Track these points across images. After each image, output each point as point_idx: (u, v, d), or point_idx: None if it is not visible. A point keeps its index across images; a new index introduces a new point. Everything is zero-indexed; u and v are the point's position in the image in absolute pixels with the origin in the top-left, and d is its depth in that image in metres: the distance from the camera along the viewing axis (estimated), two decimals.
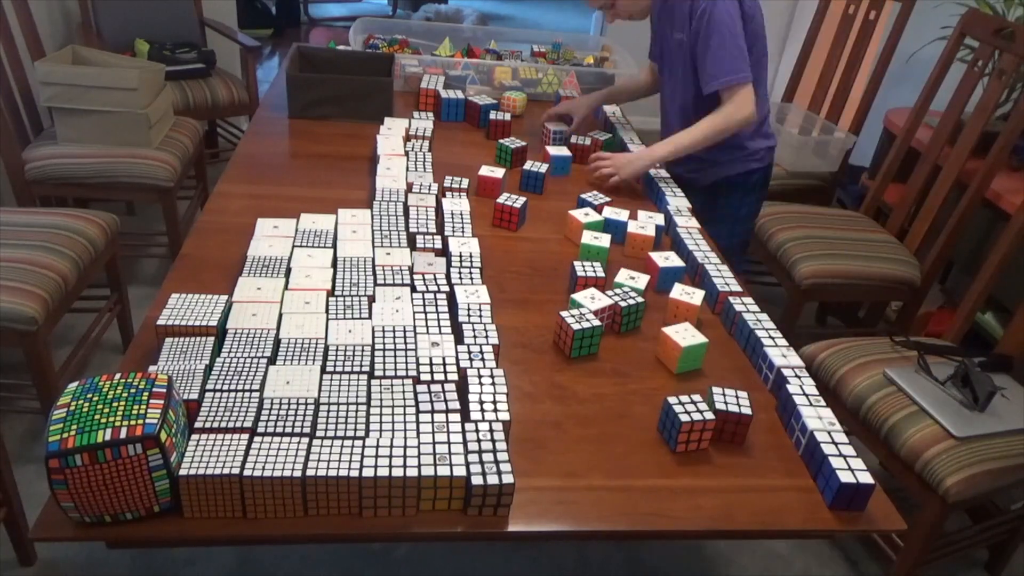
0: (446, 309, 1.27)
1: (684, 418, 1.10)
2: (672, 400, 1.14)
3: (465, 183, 1.73)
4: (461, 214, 1.58)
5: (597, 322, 1.29)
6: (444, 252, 1.45)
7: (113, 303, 2.22)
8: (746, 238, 2.18)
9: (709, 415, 1.12)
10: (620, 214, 1.67)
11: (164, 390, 0.92)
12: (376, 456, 0.95)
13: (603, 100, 2.23)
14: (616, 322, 1.36)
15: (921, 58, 2.74)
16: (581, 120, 2.14)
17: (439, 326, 1.23)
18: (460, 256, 1.43)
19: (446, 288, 1.33)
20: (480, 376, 1.12)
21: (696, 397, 1.15)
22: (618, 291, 1.38)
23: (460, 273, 1.37)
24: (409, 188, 1.66)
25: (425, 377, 1.12)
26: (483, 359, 1.17)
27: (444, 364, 1.14)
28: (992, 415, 1.66)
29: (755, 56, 1.84)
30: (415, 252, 1.43)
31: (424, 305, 1.27)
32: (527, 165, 1.84)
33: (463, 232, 1.52)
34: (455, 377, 1.12)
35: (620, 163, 1.87)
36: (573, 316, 1.29)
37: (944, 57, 2.33)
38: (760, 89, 1.86)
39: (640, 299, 1.37)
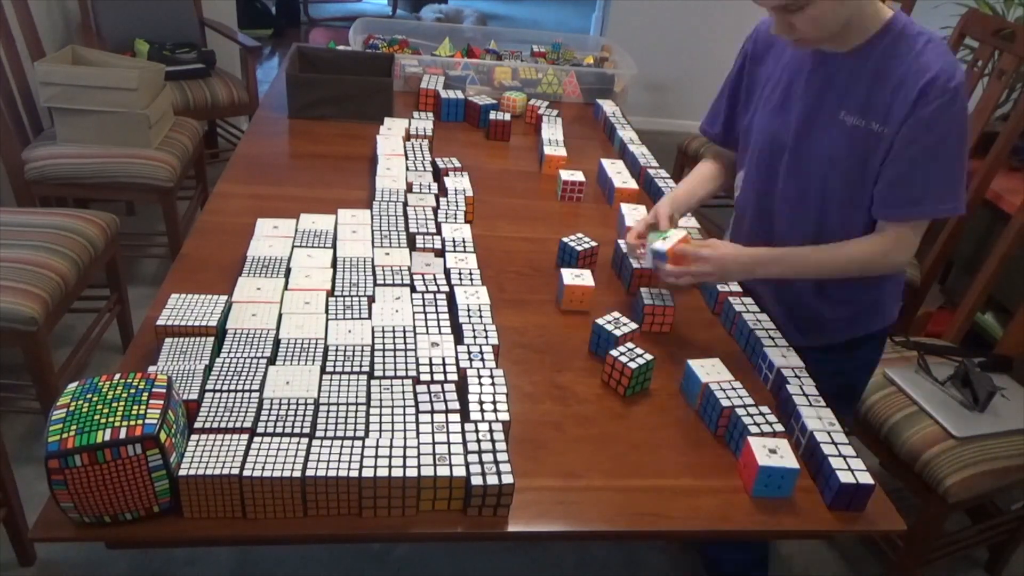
0: (446, 309, 1.27)
1: (725, 403, 1.14)
2: (713, 386, 1.17)
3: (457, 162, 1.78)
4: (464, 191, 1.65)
5: (649, 356, 1.21)
6: (442, 248, 1.46)
7: (113, 303, 2.22)
8: (855, 388, 1.62)
9: (779, 427, 1.12)
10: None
11: (164, 390, 0.92)
12: (376, 456, 0.95)
13: (688, 202, 1.54)
14: (623, 384, 1.21)
15: None
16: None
17: (439, 326, 1.23)
18: (454, 241, 1.45)
19: (446, 288, 1.33)
20: (480, 376, 1.12)
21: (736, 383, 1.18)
22: (625, 351, 1.23)
23: (460, 274, 1.37)
24: (409, 188, 1.66)
25: (425, 377, 1.11)
26: (483, 359, 1.16)
27: (444, 364, 1.14)
28: (992, 415, 1.66)
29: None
30: (414, 252, 1.43)
31: (424, 305, 1.27)
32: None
33: (456, 219, 1.56)
34: (455, 377, 1.12)
35: (717, 270, 1.32)
36: (625, 353, 1.22)
37: None
38: None
39: (648, 356, 1.22)
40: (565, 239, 1.52)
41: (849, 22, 1.23)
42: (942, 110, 1.20)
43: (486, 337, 1.22)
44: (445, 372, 1.13)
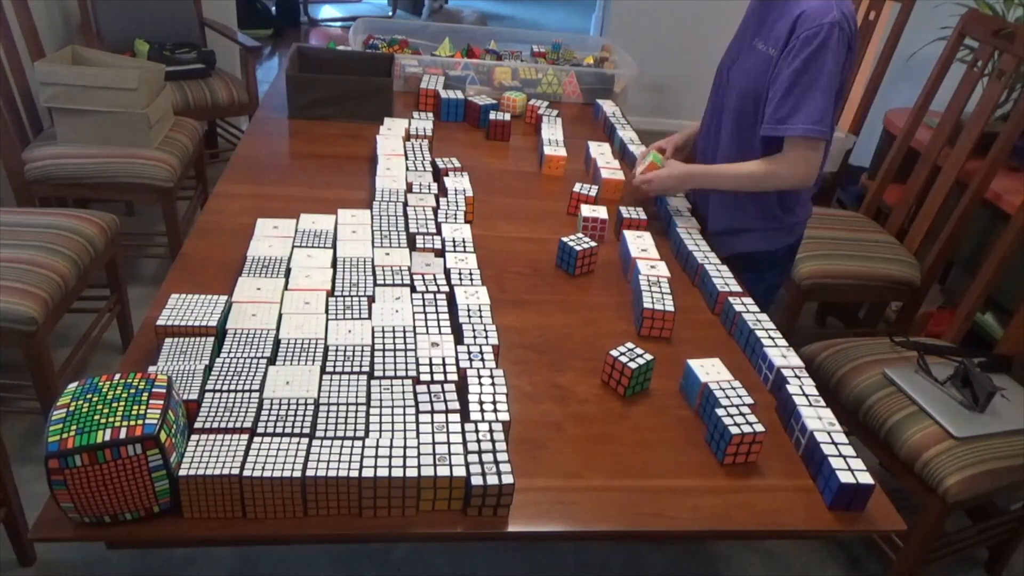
0: (446, 309, 1.27)
1: (734, 431, 1.08)
2: (720, 412, 1.12)
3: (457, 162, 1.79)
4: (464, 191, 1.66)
5: (649, 356, 1.22)
6: (442, 249, 1.46)
7: (113, 303, 2.22)
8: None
9: (759, 427, 1.10)
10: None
11: (164, 390, 0.92)
12: (376, 456, 0.95)
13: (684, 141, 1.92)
14: (622, 384, 1.22)
15: (921, 58, 2.74)
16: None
17: (439, 326, 1.23)
18: (454, 241, 1.46)
19: (446, 288, 1.33)
20: (480, 376, 1.12)
21: (745, 408, 1.14)
22: (625, 351, 1.24)
23: (460, 274, 1.37)
24: (409, 188, 1.66)
25: (425, 377, 1.11)
26: (483, 359, 1.17)
27: (444, 364, 1.14)
28: (992, 415, 1.66)
29: (835, 116, 1.56)
30: (414, 252, 1.43)
31: (424, 305, 1.27)
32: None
33: (456, 219, 1.56)
34: (455, 377, 1.12)
35: (652, 183, 1.70)
36: (625, 354, 1.22)
37: (944, 57, 2.34)
38: (824, 156, 1.58)
39: (648, 356, 1.23)
40: (565, 239, 1.52)
41: None
42: (807, 41, 1.43)
43: (486, 337, 1.22)
44: (445, 372, 1.13)
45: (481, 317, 1.27)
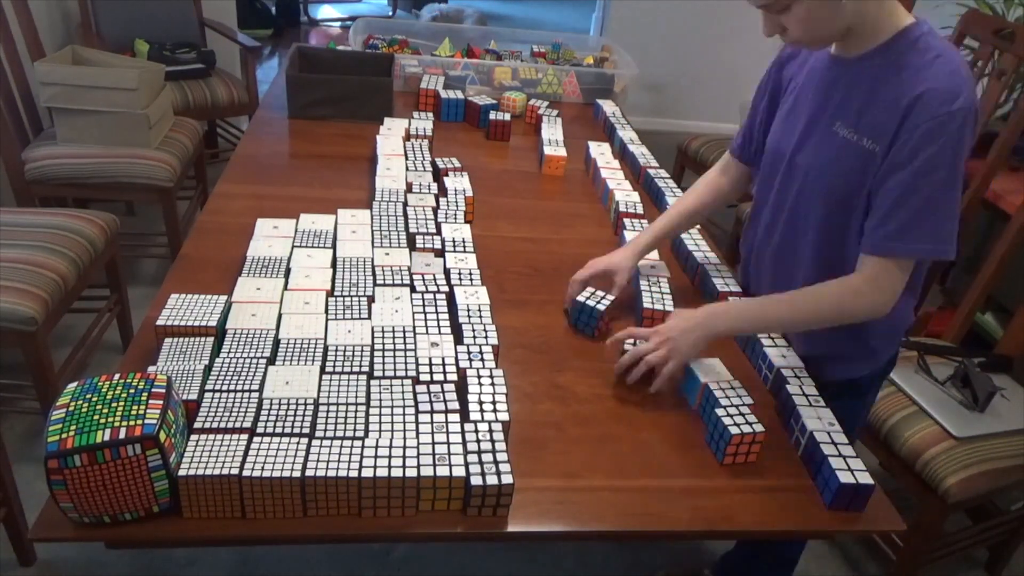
0: (446, 309, 1.27)
1: (734, 431, 1.08)
2: (720, 412, 1.11)
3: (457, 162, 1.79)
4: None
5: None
6: (442, 248, 1.46)
7: (113, 303, 2.22)
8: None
9: (759, 427, 1.09)
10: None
11: (163, 390, 0.92)
12: (375, 456, 0.95)
13: (653, 245, 1.46)
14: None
15: None
16: (623, 285, 1.40)
17: (439, 326, 1.23)
18: (453, 241, 1.46)
19: (445, 288, 1.33)
20: (480, 376, 1.12)
21: (745, 408, 1.13)
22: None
23: (460, 274, 1.37)
24: (409, 188, 1.66)
25: (425, 377, 1.11)
26: (483, 359, 1.16)
27: (444, 364, 1.14)
28: (992, 415, 1.66)
29: None
30: (414, 252, 1.44)
31: (424, 305, 1.27)
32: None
33: (456, 219, 1.56)
34: (455, 377, 1.12)
35: (674, 343, 1.18)
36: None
37: None
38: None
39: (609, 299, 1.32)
40: (580, 298, 1.35)
41: (852, 25, 1.12)
42: (930, 137, 1.06)
43: (486, 337, 1.22)
44: (445, 372, 1.13)
45: (481, 317, 1.27)
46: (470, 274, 1.38)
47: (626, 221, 1.63)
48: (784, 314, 1.21)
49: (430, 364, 1.14)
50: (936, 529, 1.61)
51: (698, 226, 1.65)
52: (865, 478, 1.04)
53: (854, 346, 1.29)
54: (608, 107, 2.35)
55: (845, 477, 1.03)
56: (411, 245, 1.46)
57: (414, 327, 1.21)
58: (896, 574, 1.71)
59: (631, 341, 1.24)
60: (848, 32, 1.14)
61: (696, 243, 1.60)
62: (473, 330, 1.23)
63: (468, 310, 1.28)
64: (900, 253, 1.13)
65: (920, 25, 1.13)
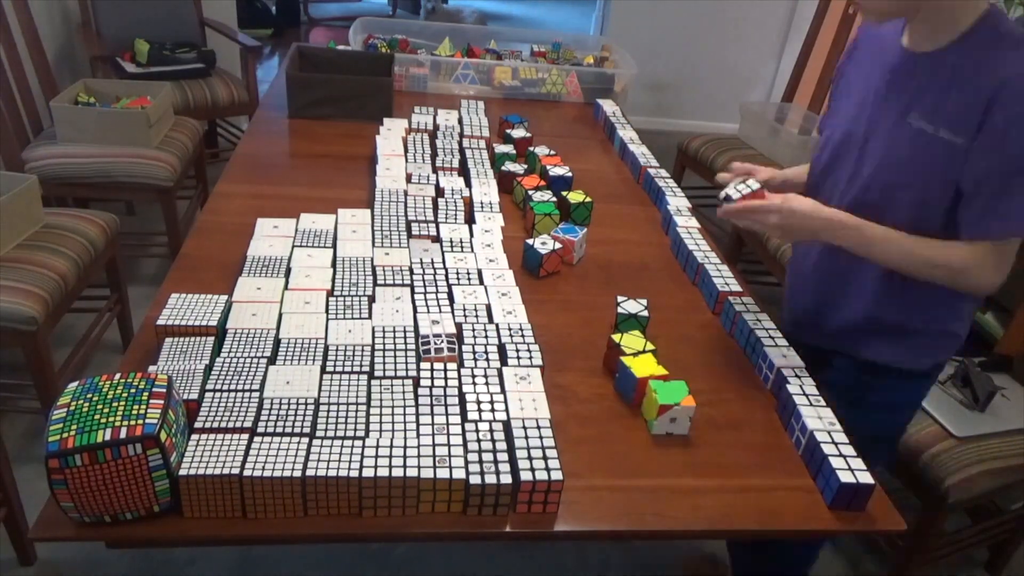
0: (448, 306, 1.27)
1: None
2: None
3: (456, 162, 1.79)
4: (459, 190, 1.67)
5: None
6: (437, 236, 1.49)
7: (113, 303, 2.22)
8: (897, 430, 1.49)
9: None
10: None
11: (164, 390, 0.92)
12: (376, 456, 0.95)
13: (792, 177, 1.47)
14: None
15: None
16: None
17: (439, 306, 1.26)
18: (451, 242, 1.47)
19: (445, 289, 1.33)
20: (475, 376, 1.12)
21: None
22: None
23: (459, 274, 1.38)
24: (408, 179, 1.68)
25: (425, 377, 1.11)
26: (488, 359, 1.17)
27: (444, 365, 1.14)
28: (992, 415, 1.66)
29: None
30: (411, 239, 1.46)
31: (426, 303, 1.28)
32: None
33: (455, 219, 1.57)
34: (455, 377, 1.12)
35: (791, 227, 1.22)
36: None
37: None
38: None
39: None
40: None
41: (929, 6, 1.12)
42: (1020, 120, 1.06)
43: (486, 337, 1.22)
44: (445, 372, 1.13)
45: (479, 317, 1.27)
46: (468, 274, 1.39)
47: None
48: (902, 245, 1.19)
49: (431, 365, 1.13)
50: (936, 528, 1.61)
51: (699, 226, 1.65)
52: (866, 478, 1.04)
53: (941, 332, 1.30)
54: (608, 107, 2.35)
55: (846, 477, 1.04)
56: (409, 232, 1.48)
57: (415, 326, 1.21)
58: (896, 573, 1.71)
59: (741, 186, 1.25)
60: (927, 11, 1.14)
61: (696, 243, 1.61)
62: (473, 330, 1.23)
63: (465, 310, 1.28)
64: (1005, 232, 1.14)
65: (995, 10, 1.12)
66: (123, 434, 0.85)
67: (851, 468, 1.05)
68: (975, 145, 1.11)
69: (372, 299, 1.28)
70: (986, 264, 1.16)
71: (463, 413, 1.06)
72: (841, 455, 1.07)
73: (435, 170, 1.76)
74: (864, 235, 1.20)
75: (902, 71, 1.21)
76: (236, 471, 0.91)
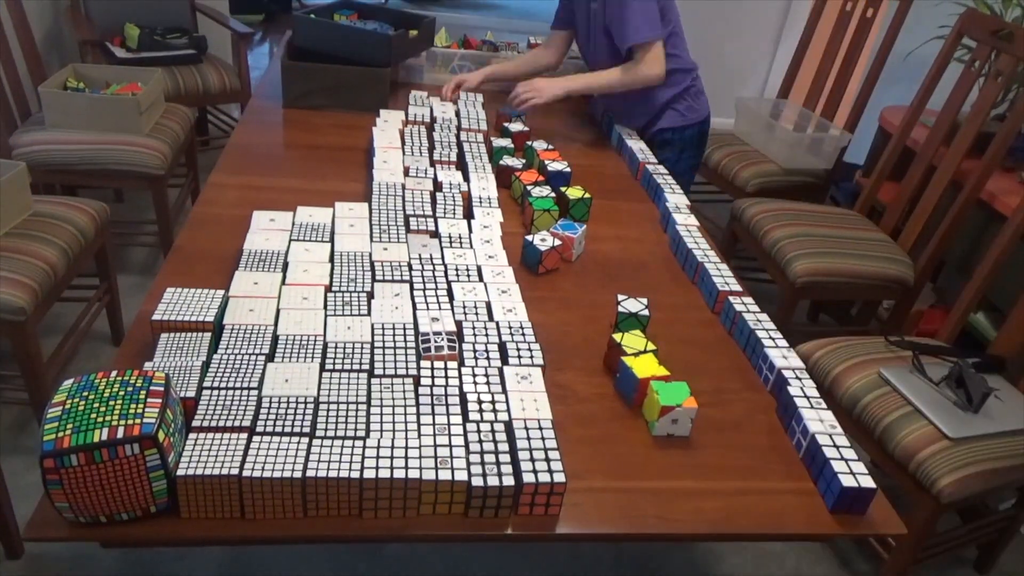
0: (447, 304, 1.26)
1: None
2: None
3: (454, 155, 1.78)
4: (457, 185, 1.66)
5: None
6: (435, 231, 1.49)
7: (102, 292, 2.19)
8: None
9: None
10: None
11: (162, 388, 0.90)
12: (377, 457, 0.94)
13: (490, 75, 2.25)
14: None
15: (918, 57, 2.74)
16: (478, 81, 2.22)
17: (438, 303, 1.25)
18: (450, 237, 1.46)
19: (444, 285, 1.32)
20: (480, 376, 1.11)
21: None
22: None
23: (458, 270, 1.36)
24: (406, 172, 1.66)
25: (426, 376, 1.10)
26: (488, 358, 1.15)
27: (445, 364, 1.13)
28: (986, 416, 1.67)
29: (669, 17, 1.99)
30: (409, 234, 1.44)
31: (426, 300, 1.26)
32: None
33: (454, 214, 1.55)
34: (455, 377, 1.11)
35: (539, 87, 2.04)
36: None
37: (941, 57, 2.33)
38: (678, 51, 2.06)
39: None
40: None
41: None
42: None
43: (487, 335, 1.21)
44: (446, 371, 1.11)
45: (478, 315, 1.26)
46: (467, 270, 1.37)
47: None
48: (600, 81, 2.05)
49: (431, 364, 1.12)
50: (929, 529, 1.62)
51: (698, 224, 1.64)
52: (867, 481, 1.04)
53: (658, 105, 2.14)
54: None
55: (847, 480, 1.03)
56: (407, 227, 1.46)
57: (415, 324, 1.20)
58: (888, 573, 1.72)
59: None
60: None
61: (695, 241, 1.60)
62: (473, 328, 1.22)
63: (465, 308, 1.27)
64: (632, 42, 1.94)
65: None
66: (120, 434, 0.84)
67: (853, 472, 1.05)
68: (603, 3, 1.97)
69: (371, 295, 1.26)
70: (639, 66, 1.97)
71: (464, 413, 1.05)
72: (842, 458, 1.07)
73: (433, 164, 1.74)
74: (579, 85, 2.08)
75: None
76: (235, 471, 0.89)
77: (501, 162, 1.79)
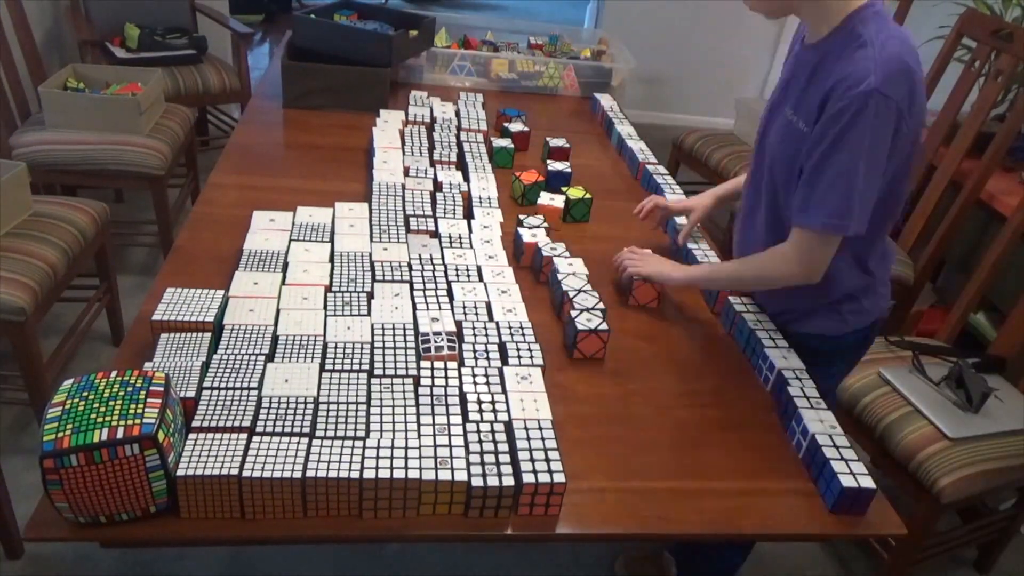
0: (447, 304, 1.26)
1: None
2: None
3: (454, 155, 1.77)
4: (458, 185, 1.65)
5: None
6: (436, 231, 1.49)
7: (102, 293, 2.19)
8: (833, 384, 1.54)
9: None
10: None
11: (162, 388, 0.90)
12: (377, 458, 0.94)
13: (724, 198, 1.63)
14: None
15: None
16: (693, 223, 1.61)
17: (438, 303, 1.25)
18: (450, 237, 1.46)
19: (444, 285, 1.32)
20: (480, 376, 1.11)
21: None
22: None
23: (457, 270, 1.36)
24: (406, 172, 1.66)
25: (425, 376, 1.10)
26: (488, 358, 1.15)
27: (445, 365, 1.13)
28: (985, 416, 1.67)
29: (894, 192, 1.26)
30: (410, 235, 1.45)
31: (425, 300, 1.26)
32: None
33: (454, 214, 1.55)
34: (455, 377, 1.11)
35: (648, 261, 1.44)
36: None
37: (941, 57, 2.33)
38: (879, 242, 1.35)
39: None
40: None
41: (802, 4, 1.21)
42: (836, 118, 1.13)
43: (487, 335, 1.21)
44: (446, 371, 1.11)
45: (478, 315, 1.26)
46: (467, 270, 1.37)
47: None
48: (735, 276, 1.38)
49: (431, 364, 1.12)
50: (929, 529, 1.62)
51: (699, 224, 1.64)
52: (867, 481, 1.04)
53: (811, 304, 1.36)
54: (606, 101, 2.33)
55: (847, 481, 1.03)
56: (407, 227, 1.47)
57: (415, 324, 1.20)
58: (888, 573, 1.72)
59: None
60: (803, 11, 1.23)
61: (695, 241, 1.60)
62: (473, 329, 1.22)
63: (465, 308, 1.27)
64: (803, 224, 1.22)
65: (862, 12, 1.18)
66: (120, 434, 0.84)
67: (852, 472, 1.05)
68: (812, 136, 1.19)
69: (371, 295, 1.26)
70: (793, 255, 1.25)
71: (464, 413, 1.05)
72: (842, 458, 1.07)
73: (433, 164, 1.74)
74: (700, 277, 1.43)
75: (795, 64, 1.30)
76: (235, 472, 0.89)
77: (539, 201, 1.69)
